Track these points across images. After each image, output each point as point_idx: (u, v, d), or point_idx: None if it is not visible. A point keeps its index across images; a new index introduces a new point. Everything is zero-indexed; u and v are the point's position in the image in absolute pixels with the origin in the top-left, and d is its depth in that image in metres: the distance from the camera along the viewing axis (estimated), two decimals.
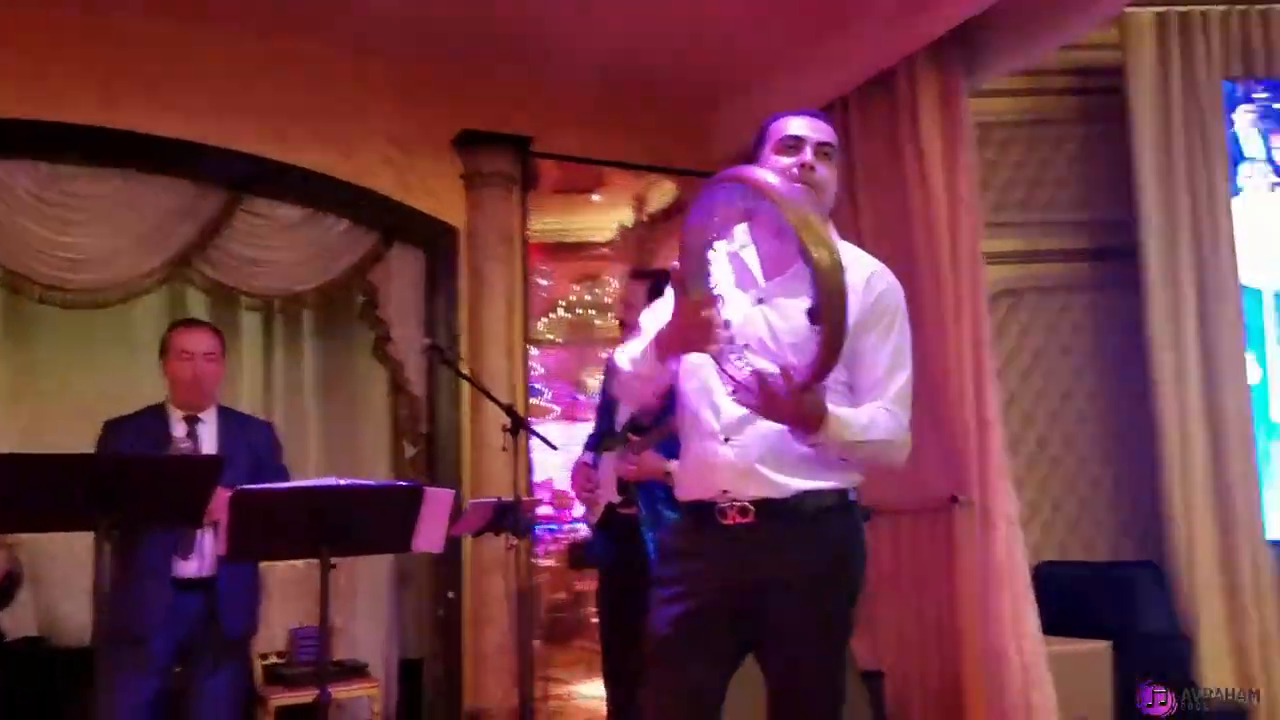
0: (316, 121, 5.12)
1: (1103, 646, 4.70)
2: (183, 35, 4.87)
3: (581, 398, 5.66)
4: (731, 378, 2.21)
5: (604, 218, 5.63)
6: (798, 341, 2.22)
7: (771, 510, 2.26)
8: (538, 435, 3.47)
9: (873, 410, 2.26)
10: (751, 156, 2.49)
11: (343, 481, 3.06)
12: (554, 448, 3.78)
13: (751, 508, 2.26)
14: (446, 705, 5.06)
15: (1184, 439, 5.14)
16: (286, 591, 4.92)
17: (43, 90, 4.59)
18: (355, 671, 4.74)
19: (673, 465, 3.36)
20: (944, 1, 4.56)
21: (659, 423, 3.50)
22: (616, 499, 3.59)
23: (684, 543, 2.39)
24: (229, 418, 3.71)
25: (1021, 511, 4.60)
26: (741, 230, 2.40)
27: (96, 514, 2.86)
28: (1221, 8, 5.43)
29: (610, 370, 2.55)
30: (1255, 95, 5.48)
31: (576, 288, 5.48)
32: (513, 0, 4.82)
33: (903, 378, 2.32)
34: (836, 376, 2.19)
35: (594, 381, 5.83)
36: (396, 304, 5.31)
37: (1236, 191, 5.40)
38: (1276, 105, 5.48)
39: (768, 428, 2.24)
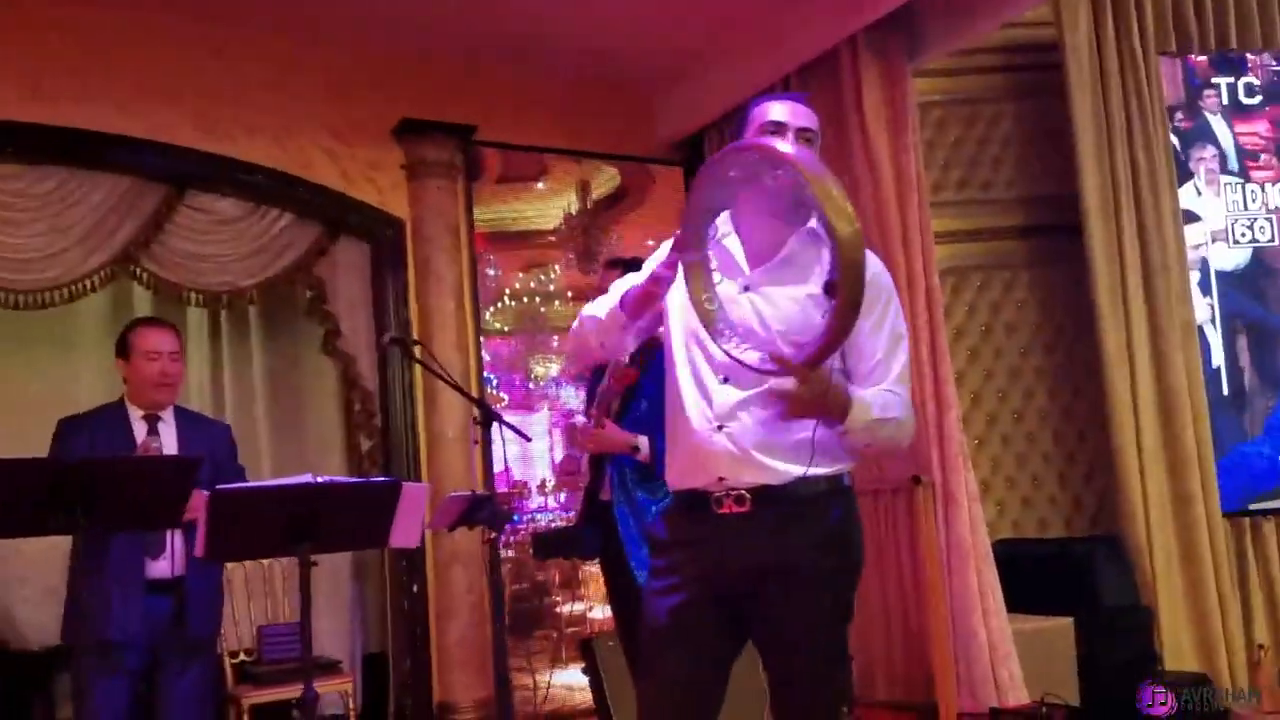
0: (254, 113, 5.03)
1: (1065, 623, 4.77)
2: (111, 23, 4.76)
3: (531, 387, 5.62)
4: (739, 361, 2.18)
5: (549, 205, 5.60)
6: (787, 329, 2.22)
7: (769, 497, 2.22)
8: (510, 427, 3.43)
9: (879, 392, 2.24)
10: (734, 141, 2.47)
11: (320, 479, 3.02)
12: (527, 439, 3.76)
13: (748, 495, 2.23)
14: (414, 699, 5.02)
15: (1136, 413, 5.18)
16: (248, 589, 4.87)
17: None
18: (328, 668, 4.69)
19: (641, 441, 3.37)
20: None
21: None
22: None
23: (678, 532, 2.35)
24: (186, 418, 3.68)
25: None
26: (724, 219, 2.36)
27: (75, 517, 2.84)
28: None
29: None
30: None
31: (523, 276, 5.43)
32: None
33: (903, 359, 2.30)
34: (833, 364, 2.16)
35: (542, 369, 5.80)
36: (345, 298, 5.24)
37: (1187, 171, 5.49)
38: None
39: (762, 414, 2.22)
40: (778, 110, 2.36)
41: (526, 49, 5.29)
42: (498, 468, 5.17)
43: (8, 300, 4.58)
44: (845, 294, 2.01)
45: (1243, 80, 5.58)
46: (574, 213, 5.63)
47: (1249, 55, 5.59)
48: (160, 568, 3.41)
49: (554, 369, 5.81)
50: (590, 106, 5.64)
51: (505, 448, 5.16)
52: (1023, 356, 5.72)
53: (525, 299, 5.53)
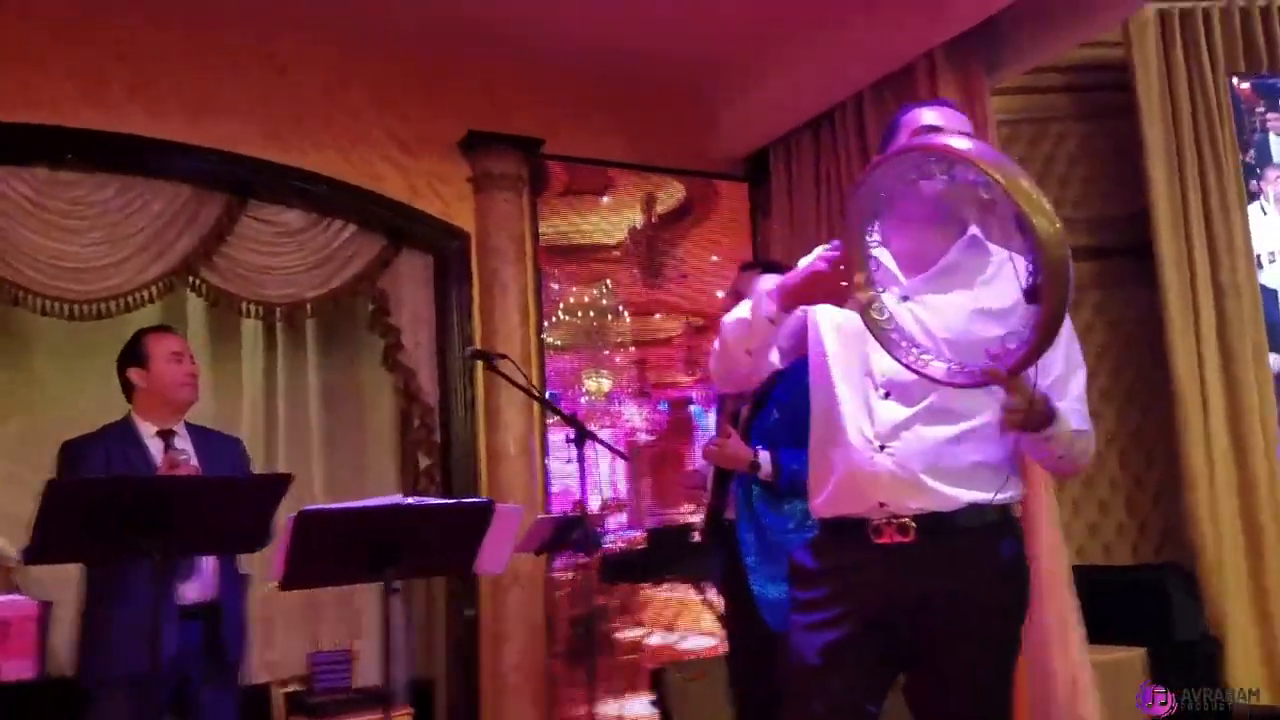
0: (319, 125, 4.96)
1: (1138, 653, 4.67)
2: (179, 36, 4.70)
3: (584, 402, 5.52)
4: (917, 370, 2.03)
5: (613, 219, 5.51)
6: (954, 338, 2.09)
7: (935, 525, 2.09)
8: (608, 446, 3.34)
9: (1065, 408, 2.10)
10: (881, 151, 2.34)
11: (409, 500, 2.91)
12: (625, 458, 3.66)
13: (913, 524, 2.10)
14: None
15: (1208, 438, 5.09)
16: (294, 616, 4.74)
17: (38, 94, 4.37)
18: (385, 698, 4.55)
19: (763, 457, 3.24)
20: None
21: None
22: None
23: (829, 562, 2.21)
24: (199, 433, 3.53)
25: None
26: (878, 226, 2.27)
27: (150, 540, 2.69)
28: (1222, 4, 5.44)
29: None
30: None
31: (586, 290, 5.34)
32: (511, 5, 4.70)
33: (1082, 375, 2.20)
34: (1031, 375, 1.98)
35: (594, 384, 5.70)
36: (408, 310, 5.15)
37: (1255, 195, 5.41)
38: None
39: (929, 434, 2.10)
40: (930, 115, 2.26)
41: (591, 61, 5.22)
42: (556, 488, 5.09)
43: (63, 310, 4.48)
44: (1052, 295, 1.83)
45: None
46: (638, 227, 5.54)
47: None
48: (192, 591, 3.27)
49: (606, 384, 5.71)
50: (655, 120, 5.57)
51: (561, 466, 5.20)
52: (1090, 378, 5.60)
53: (586, 313, 5.43)
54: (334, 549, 2.81)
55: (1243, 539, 5.04)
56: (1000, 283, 2.15)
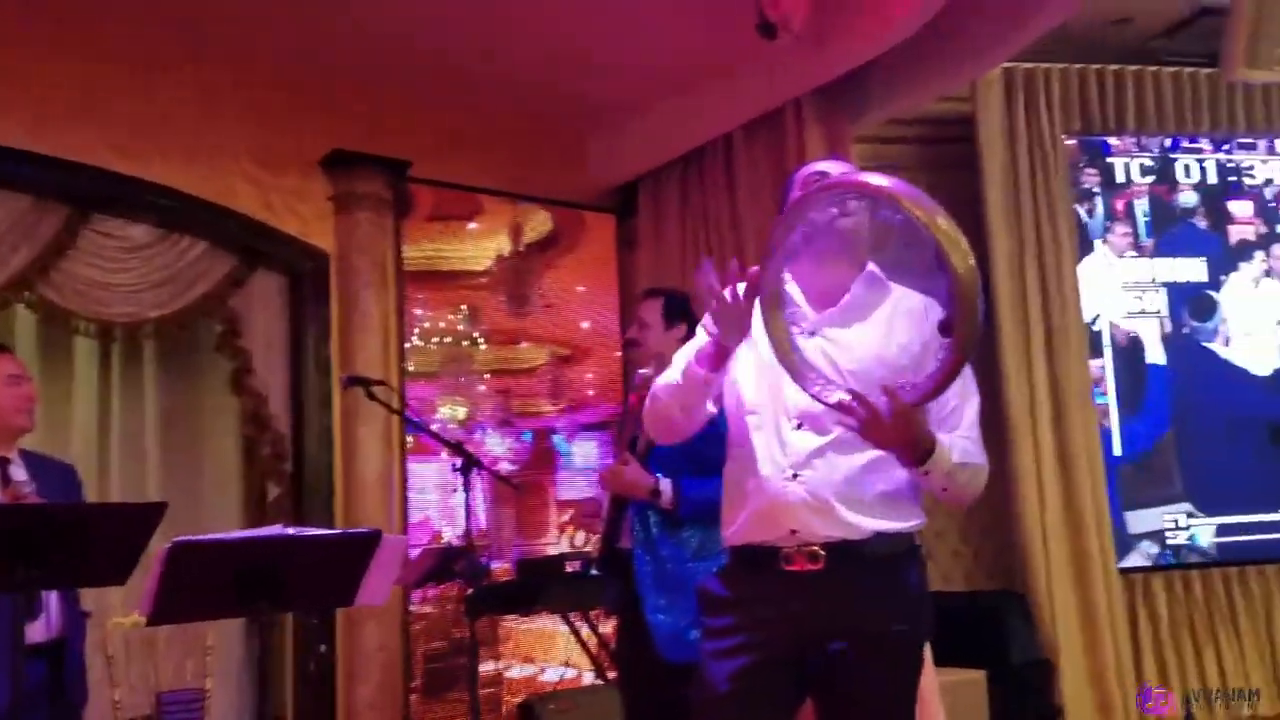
0: (171, 134, 4.71)
1: (978, 675, 4.84)
2: (22, 39, 4.38)
3: (436, 429, 5.38)
4: (823, 401, 2.08)
5: (480, 246, 5.42)
6: (858, 370, 2.14)
7: (844, 554, 2.12)
8: (499, 476, 3.27)
9: (957, 438, 2.15)
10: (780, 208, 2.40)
11: (290, 530, 2.77)
12: (516, 488, 3.56)
13: (823, 552, 2.12)
14: None
15: (1038, 472, 5.41)
16: (139, 653, 4.43)
17: None
18: None
19: (664, 484, 3.20)
20: (832, 50, 4.65)
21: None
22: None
23: (739, 591, 2.22)
24: (33, 460, 3.30)
25: None
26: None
27: (17, 571, 2.50)
28: (1061, 66, 5.80)
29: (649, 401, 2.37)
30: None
31: (454, 317, 5.24)
32: (391, 22, 4.59)
33: (975, 404, 2.24)
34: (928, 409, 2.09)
35: (449, 411, 5.57)
36: (260, 333, 4.92)
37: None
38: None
39: (841, 463, 2.14)
40: (822, 164, 2.35)
41: (463, 88, 5.14)
42: (416, 517, 4.96)
43: None
44: (964, 331, 1.93)
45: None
46: (505, 255, 5.46)
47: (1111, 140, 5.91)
48: (37, 630, 3.04)
49: (462, 412, 5.59)
50: (525, 149, 5.52)
51: (422, 496, 5.08)
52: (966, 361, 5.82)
53: (447, 340, 5.32)
54: (208, 582, 2.64)
55: (1070, 568, 5.36)
56: (899, 319, 2.22)
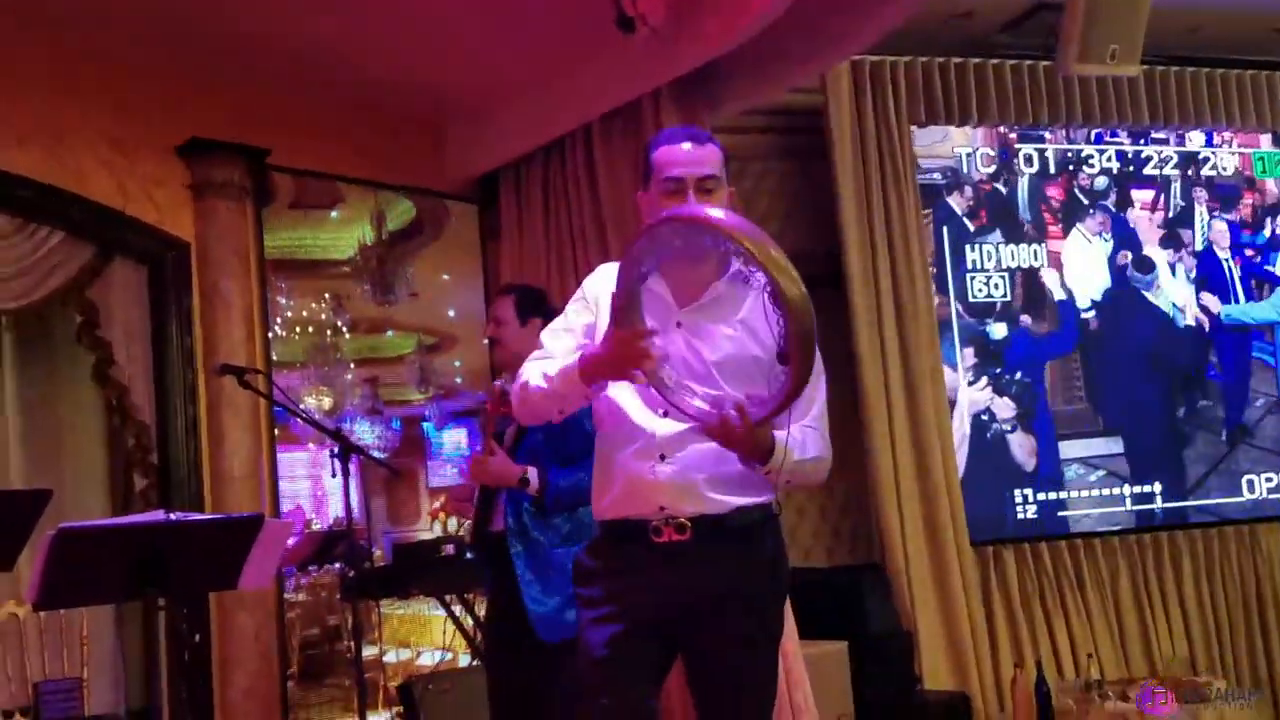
0: (24, 120, 4.60)
1: (839, 647, 5.08)
2: None
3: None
4: (682, 410, 2.27)
5: (343, 235, 5.44)
6: (720, 360, 2.33)
7: (708, 526, 2.31)
8: (380, 462, 3.35)
9: (801, 429, 2.33)
10: (639, 182, 2.54)
11: (173, 515, 2.82)
12: (396, 472, 3.64)
13: (689, 524, 2.30)
14: None
15: (893, 450, 5.66)
16: (11, 642, 4.37)
17: None
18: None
19: (531, 473, 3.33)
20: (689, 43, 4.78)
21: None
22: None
23: (610, 561, 2.39)
24: None
25: None
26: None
27: None
28: (906, 59, 6.06)
29: (517, 389, 2.48)
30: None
31: (317, 306, 5.25)
32: (249, 10, 4.57)
33: (823, 394, 2.45)
34: (714, 391, 2.29)
35: (314, 401, 5.61)
36: (120, 323, 4.85)
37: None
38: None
39: (706, 446, 2.30)
40: (679, 164, 2.41)
41: (323, 77, 5.12)
42: (287, 506, 4.97)
43: None
44: (798, 357, 2.15)
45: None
46: (369, 243, 5.49)
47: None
48: None
49: (328, 401, 5.63)
50: (386, 137, 5.54)
51: (292, 485, 5.09)
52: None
53: (311, 329, 5.33)
54: (94, 567, 2.71)
55: (925, 538, 5.63)
56: (760, 315, 2.36)
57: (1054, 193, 6.33)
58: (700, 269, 2.40)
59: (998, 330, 6.08)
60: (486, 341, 3.69)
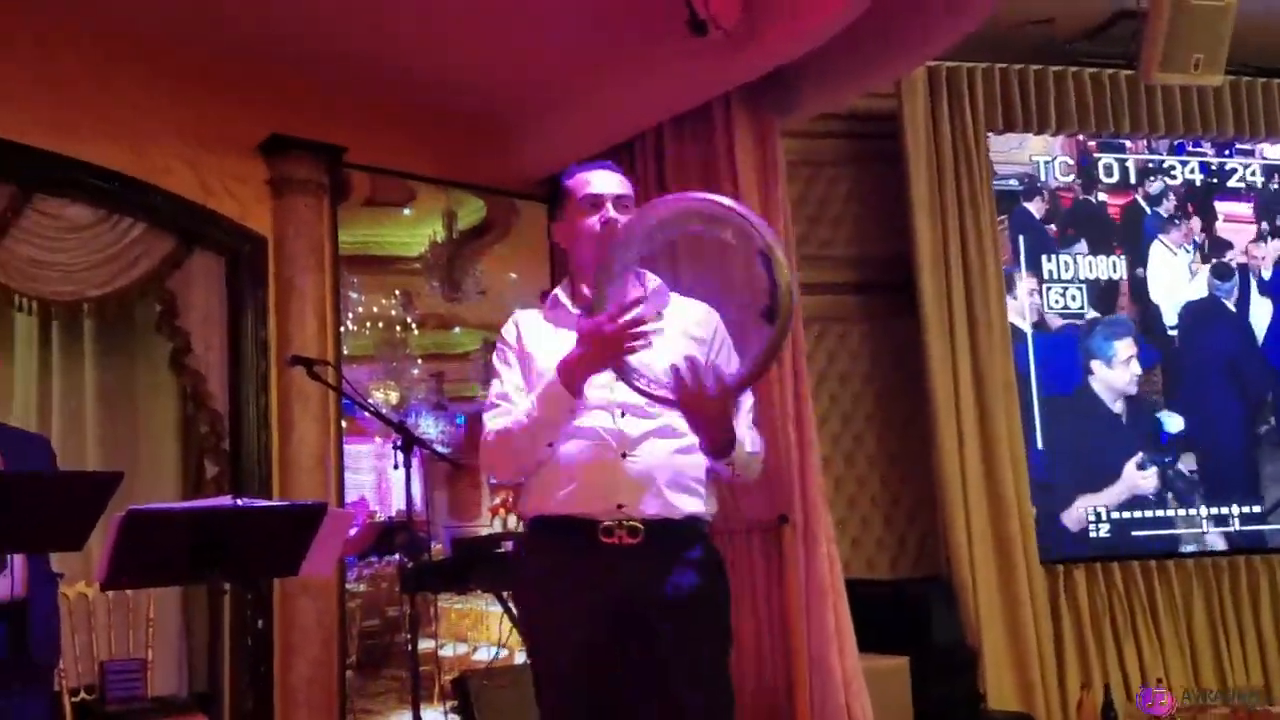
0: (113, 117, 4.76)
1: (901, 661, 5.03)
2: None
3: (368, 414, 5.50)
4: (649, 392, 2.28)
5: (414, 232, 5.54)
6: (648, 367, 2.33)
7: (661, 530, 2.32)
8: (440, 454, 3.41)
9: (743, 429, 2.38)
10: (553, 213, 2.62)
11: (239, 501, 2.89)
12: (457, 465, 3.69)
13: (642, 527, 2.31)
14: None
15: (961, 460, 5.60)
16: (80, 623, 4.52)
17: None
18: (181, 708, 4.43)
19: None
20: (761, 46, 4.76)
21: None
22: None
23: (564, 565, 2.35)
24: (3, 431, 3.39)
25: None
26: (563, 292, 2.52)
27: None
28: (984, 65, 6.00)
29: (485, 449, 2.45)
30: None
31: (387, 301, 5.34)
32: (325, 8, 4.66)
33: (751, 397, 2.47)
34: (663, 392, 2.29)
35: (382, 395, 5.70)
36: (198, 313, 4.98)
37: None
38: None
39: (663, 446, 2.34)
40: (596, 182, 2.49)
41: (398, 77, 5.20)
42: (351, 497, 5.05)
43: None
44: (778, 329, 2.19)
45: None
46: (439, 241, 5.58)
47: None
48: (0, 588, 3.12)
49: (395, 396, 5.72)
50: (459, 136, 5.60)
51: (357, 476, 5.18)
52: (855, 404, 6.03)
53: (381, 324, 5.42)
54: (161, 549, 2.78)
55: (994, 553, 5.55)
56: (691, 328, 2.48)
57: (1135, 203, 6.21)
58: (625, 280, 2.42)
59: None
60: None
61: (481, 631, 5.26)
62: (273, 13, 4.67)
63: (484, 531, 5.12)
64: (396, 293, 5.51)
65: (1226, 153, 6.35)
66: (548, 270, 5.81)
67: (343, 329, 5.30)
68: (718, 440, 2.29)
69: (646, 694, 2.33)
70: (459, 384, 5.55)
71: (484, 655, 5.19)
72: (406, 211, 5.56)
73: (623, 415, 2.35)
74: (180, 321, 4.96)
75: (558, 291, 2.52)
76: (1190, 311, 6.18)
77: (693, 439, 2.34)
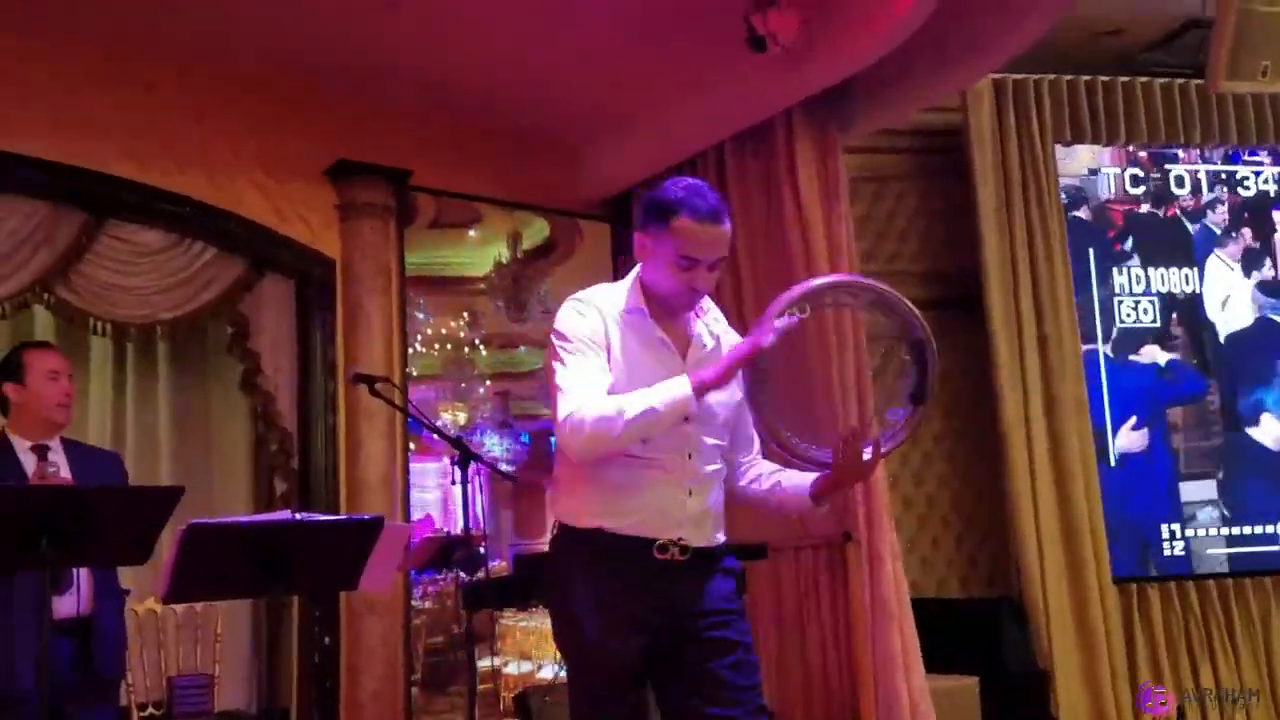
0: (184, 143, 4.92)
1: (970, 682, 4.94)
2: (42, 50, 4.59)
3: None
4: (800, 455, 2.50)
5: (479, 253, 5.61)
6: (724, 412, 2.51)
7: (701, 555, 2.47)
8: (497, 470, 3.45)
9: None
10: (643, 220, 2.50)
11: (298, 515, 2.94)
12: (515, 480, 3.72)
13: (690, 550, 2.44)
14: None
15: (1033, 479, 5.50)
16: (154, 637, 4.62)
17: None
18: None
19: None
20: (821, 62, 4.76)
21: None
22: None
23: (616, 571, 2.42)
24: (74, 449, 3.47)
25: None
26: (644, 304, 2.49)
27: (39, 551, 2.68)
28: (1051, 76, 5.92)
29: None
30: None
31: (453, 322, 5.41)
32: (389, 35, 4.75)
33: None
34: (719, 439, 2.50)
35: (450, 416, 5.75)
36: (268, 335, 5.10)
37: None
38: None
39: (714, 490, 2.51)
40: (701, 243, 2.38)
41: (460, 99, 5.30)
42: (418, 514, 5.12)
43: None
44: (924, 405, 2.56)
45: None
46: (504, 262, 5.64)
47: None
48: (67, 605, 3.16)
49: (462, 416, 5.77)
50: (522, 158, 5.68)
51: (423, 495, 5.23)
52: (922, 421, 5.91)
53: (447, 345, 5.49)
54: (221, 563, 2.82)
55: (1066, 574, 5.43)
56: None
57: (1203, 214, 6.07)
58: (687, 321, 2.52)
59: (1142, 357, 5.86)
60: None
61: (545, 649, 5.27)
62: (341, 43, 4.79)
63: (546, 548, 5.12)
64: (464, 314, 5.56)
65: None
66: None
67: (410, 349, 5.38)
68: (837, 496, 2.51)
69: (684, 698, 2.43)
70: (524, 402, 5.59)
71: (549, 673, 5.21)
72: (471, 233, 5.63)
73: (690, 457, 2.44)
74: (251, 343, 5.07)
75: (643, 307, 2.46)
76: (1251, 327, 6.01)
77: (720, 479, 2.55)
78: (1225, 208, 6.11)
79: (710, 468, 2.48)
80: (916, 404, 2.53)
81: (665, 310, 2.46)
